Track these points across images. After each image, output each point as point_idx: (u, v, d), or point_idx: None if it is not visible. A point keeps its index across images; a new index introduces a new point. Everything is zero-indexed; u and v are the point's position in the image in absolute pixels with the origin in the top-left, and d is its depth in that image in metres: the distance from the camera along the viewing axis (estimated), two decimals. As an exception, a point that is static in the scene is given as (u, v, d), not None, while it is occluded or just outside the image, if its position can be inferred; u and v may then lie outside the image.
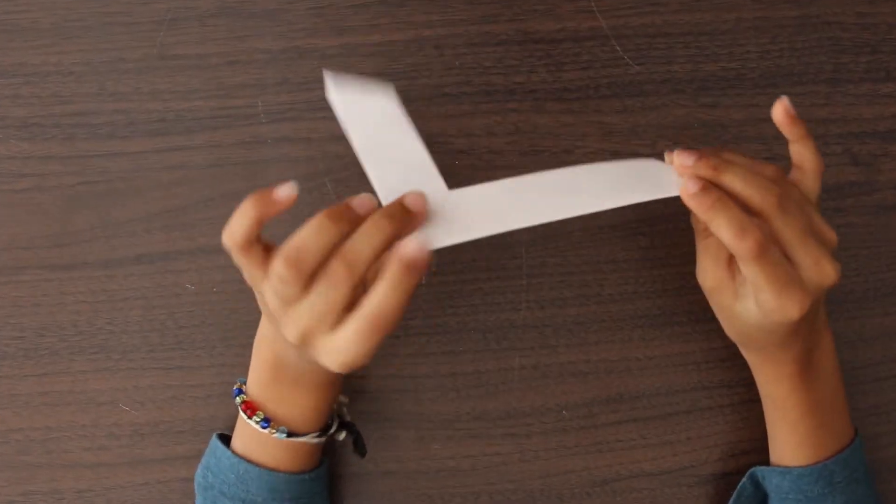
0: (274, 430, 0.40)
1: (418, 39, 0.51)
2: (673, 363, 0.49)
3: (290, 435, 0.40)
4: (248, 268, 0.34)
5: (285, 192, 0.33)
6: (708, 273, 0.39)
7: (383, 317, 0.31)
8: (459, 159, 0.50)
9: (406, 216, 0.33)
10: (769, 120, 0.50)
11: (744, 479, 0.45)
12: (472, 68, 0.50)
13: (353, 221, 0.32)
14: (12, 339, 0.48)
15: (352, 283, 0.31)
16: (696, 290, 0.49)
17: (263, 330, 0.41)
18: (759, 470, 0.45)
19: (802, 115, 0.50)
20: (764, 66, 0.51)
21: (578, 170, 0.36)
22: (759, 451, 0.48)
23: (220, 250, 0.48)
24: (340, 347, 0.32)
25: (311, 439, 0.41)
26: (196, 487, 0.43)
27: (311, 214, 0.50)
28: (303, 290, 0.32)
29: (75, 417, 0.48)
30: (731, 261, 0.38)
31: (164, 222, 0.49)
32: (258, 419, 0.40)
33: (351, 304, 0.32)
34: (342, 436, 0.45)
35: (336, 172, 0.49)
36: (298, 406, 0.41)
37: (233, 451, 0.42)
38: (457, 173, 0.49)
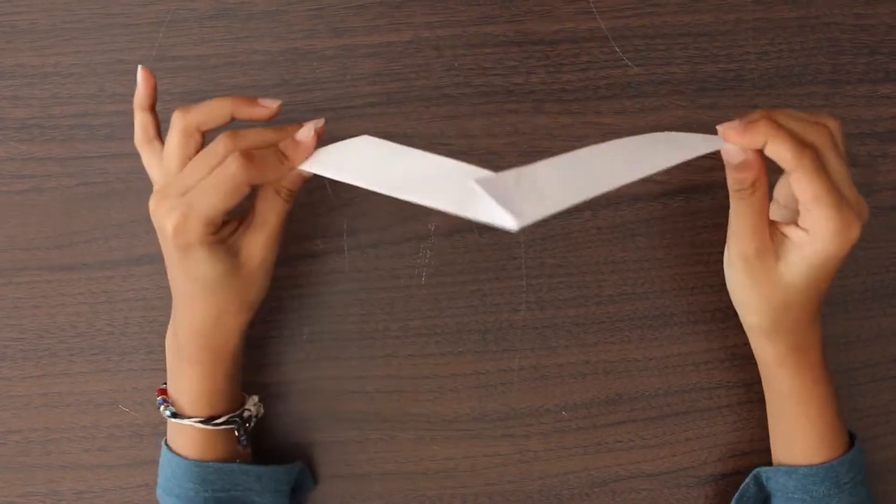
0: (165, 409, 0.42)
1: (417, 40, 0.50)
2: (672, 364, 0.49)
3: (174, 415, 0.42)
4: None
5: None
6: (751, 236, 0.39)
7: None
8: (459, 159, 0.49)
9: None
10: (768, 121, 0.50)
11: (747, 480, 0.45)
12: (471, 69, 0.50)
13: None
14: (12, 340, 0.48)
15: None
16: (695, 291, 0.49)
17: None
18: (764, 470, 0.45)
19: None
20: (763, 68, 0.51)
21: (626, 142, 0.37)
22: (758, 451, 0.48)
23: (219, 252, 0.49)
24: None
25: (192, 423, 0.41)
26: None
27: (310, 216, 0.50)
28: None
29: (75, 419, 0.48)
30: (770, 224, 0.39)
31: (163, 223, 0.49)
32: (160, 398, 0.43)
33: None
34: (231, 426, 0.43)
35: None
36: (184, 386, 0.42)
37: (168, 447, 0.43)
38: (456, 174, 0.49)
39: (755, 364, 0.45)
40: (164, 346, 0.47)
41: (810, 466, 0.42)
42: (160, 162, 0.41)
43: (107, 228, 0.49)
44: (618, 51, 0.51)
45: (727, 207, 0.50)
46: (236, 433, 0.43)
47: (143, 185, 0.49)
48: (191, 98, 0.49)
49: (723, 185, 0.49)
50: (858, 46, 0.51)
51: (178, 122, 0.39)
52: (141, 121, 0.42)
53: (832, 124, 0.39)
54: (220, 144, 0.38)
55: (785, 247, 0.39)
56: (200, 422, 0.42)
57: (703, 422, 0.48)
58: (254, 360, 0.48)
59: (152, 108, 0.42)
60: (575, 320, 0.49)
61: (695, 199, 0.50)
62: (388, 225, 0.49)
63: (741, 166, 0.38)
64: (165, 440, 0.44)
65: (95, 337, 0.48)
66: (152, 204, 0.38)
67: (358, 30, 0.50)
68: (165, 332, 0.48)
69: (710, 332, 0.49)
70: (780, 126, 0.37)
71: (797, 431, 0.43)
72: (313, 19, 0.51)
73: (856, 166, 0.50)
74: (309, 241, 0.49)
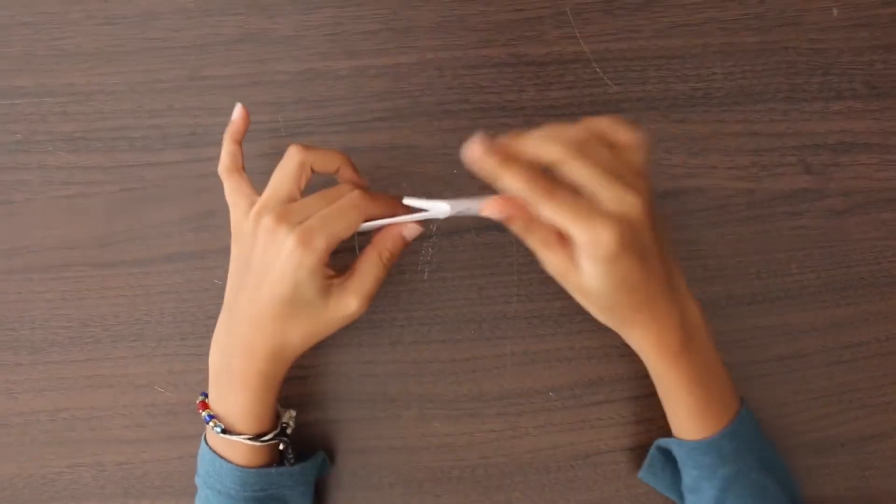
0: (214, 426, 0.42)
1: (422, 62, 0.53)
2: (647, 350, 0.51)
3: (224, 431, 0.42)
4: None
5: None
6: (550, 260, 0.39)
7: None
8: (458, 168, 0.52)
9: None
10: (733, 134, 0.53)
11: (652, 449, 0.47)
12: (470, 88, 0.53)
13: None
14: (60, 328, 0.51)
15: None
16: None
17: (214, 335, 0.44)
18: (663, 441, 0.46)
19: (762, 130, 0.52)
20: (728, 87, 0.53)
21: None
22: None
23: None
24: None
25: (242, 440, 0.42)
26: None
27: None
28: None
29: (116, 398, 0.50)
30: (562, 240, 0.38)
31: (194, 224, 0.52)
32: (206, 414, 0.43)
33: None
34: (280, 445, 0.45)
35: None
36: (232, 405, 0.42)
37: (210, 447, 0.44)
38: (454, 180, 0.52)
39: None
40: (194, 334, 0.50)
41: (696, 441, 0.43)
42: (246, 190, 0.43)
43: (144, 229, 0.51)
44: (599, 71, 0.53)
45: (695, 211, 0.52)
46: (281, 447, 0.45)
47: (176, 191, 0.52)
48: (220, 113, 0.52)
49: (689, 192, 0.52)
50: (813, 68, 0.53)
51: (298, 156, 0.41)
52: (231, 152, 0.44)
53: (604, 122, 0.37)
54: (344, 187, 0.41)
55: (578, 258, 0.38)
56: (249, 439, 0.42)
57: (674, 401, 0.50)
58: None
59: (241, 142, 0.44)
60: (561, 311, 0.51)
61: (666, 203, 0.52)
62: (395, 226, 0.52)
63: (509, 221, 0.38)
64: (205, 437, 0.44)
65: (134, 325, 0.51)
66: (270, 222, 0.39)
67: (369, 52, 0.53)
68: (196, 321, 0.50)
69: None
70: (509, 158, 0.35)
71: (673, 410, 0.44)
72: (329, 43, 0.53)
73: (810, 174, 0.52)
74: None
